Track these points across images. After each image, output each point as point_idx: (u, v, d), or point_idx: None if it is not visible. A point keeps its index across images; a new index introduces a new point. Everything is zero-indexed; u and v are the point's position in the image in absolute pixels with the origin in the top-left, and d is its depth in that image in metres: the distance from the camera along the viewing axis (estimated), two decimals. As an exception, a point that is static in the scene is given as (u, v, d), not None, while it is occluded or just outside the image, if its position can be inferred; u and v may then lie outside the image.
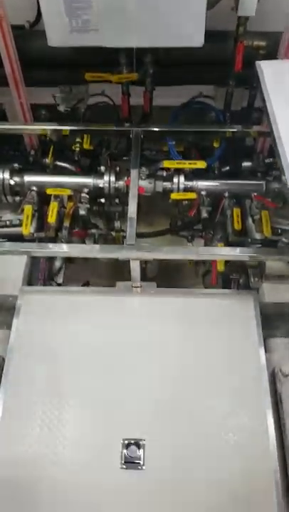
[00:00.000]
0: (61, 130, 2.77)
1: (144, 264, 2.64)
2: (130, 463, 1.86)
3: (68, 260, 2.96)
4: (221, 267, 2.52)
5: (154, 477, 1.83)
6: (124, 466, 1.85)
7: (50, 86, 2.82)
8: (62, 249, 2.28)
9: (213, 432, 1.92)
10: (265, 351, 2.16)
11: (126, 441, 1.88)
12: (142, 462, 1.85)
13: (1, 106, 2.96)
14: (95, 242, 2.95)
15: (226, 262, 2.55)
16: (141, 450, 1.87)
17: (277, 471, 1.84)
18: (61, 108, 2.81)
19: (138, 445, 1.88)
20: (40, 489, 1.83)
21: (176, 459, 1.87)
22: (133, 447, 1.88)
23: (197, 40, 2.12)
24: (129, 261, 2.17)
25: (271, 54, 2.41)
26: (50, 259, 2.75)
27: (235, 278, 2.57)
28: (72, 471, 1.86)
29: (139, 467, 1.85)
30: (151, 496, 1.81)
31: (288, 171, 1.89)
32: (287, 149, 1.97)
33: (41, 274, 2.67)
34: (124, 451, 1.87)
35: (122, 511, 1.80)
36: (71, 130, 2.74)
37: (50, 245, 2.26)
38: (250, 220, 2.67)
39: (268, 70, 2.18)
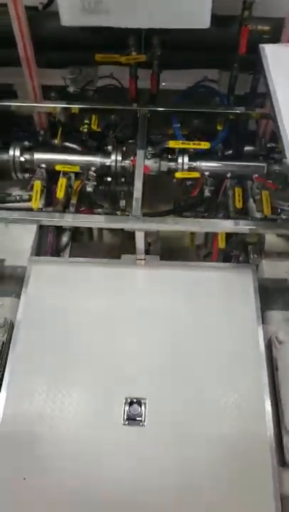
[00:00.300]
0: (70, 110, 2.88)
1: (148, 246, 2.74)
2: (132, 420, 1.96)
3: (73, 240, 3.07)
4: (222, 244, 2.62)
5: (154, 433, 1.94)
6: (127, 423, 1.95)
7: (60, 68, 2.90)
8: (70, 219, 2.35)
9: (211, 393, 2.02)
10: (263, 323, 2.27)
11: (128, 400, 1.98)
12: (143, 419, 1.95)
13: (12, 87, 3.04)
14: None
15: (227, 239, 2.65)
16: (142, 408, 1.97)
17: (271, 429, 1.94)
18: (71, 89, 2.90)
19: (140, 403, 1.98)
20: (46, 444, 1.93)
21: (176, 417, 1.98)
22: (135, 405, 1.98)
23: (204, 21, 2.20)
24: (133, 237, 2.27)
25: (275, 39, 2.49)
26: (58, 235, 2.85)
27: (235, 255, 2.67)
28: (77, 427, 1.96)
29: (141, 424, 1.95)
30: (152, 450, 1.91)
31: (289, 151, 1.97)
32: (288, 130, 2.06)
33: (49, 248, 2.77)
34: (127, 408, 1.97)
35: (124, 464, 1.89)
36: (80, 110, 2.83)
37: (58, 215, 2.35)
38: (251, 200, 2.76)
39: (271, 53, 2.26)
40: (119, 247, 3.17)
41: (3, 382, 2.06)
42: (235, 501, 1.84)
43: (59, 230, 2.87)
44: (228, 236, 2.68)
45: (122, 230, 3.22)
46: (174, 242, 3.32)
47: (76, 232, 3.14)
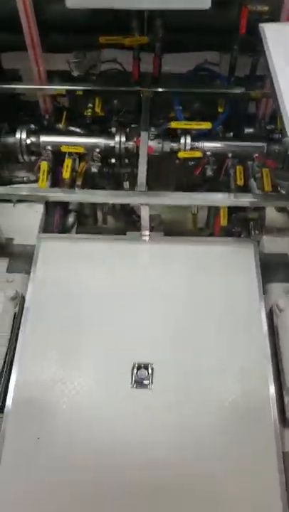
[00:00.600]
0: (74, 94, 2.95)
1: (151, 228, 2.82)
2: (140, 383, 2.05)
3: (78, 223, 3.16)
4: (224, 221, 2.70)
5: (161, 395, 2.03)
6: (135, 386, 2.04)
7: (64, 52, 2.98)
8: (77, 194, 2.44)
9: (215, 358, 2.11)
10: (264, 294, 2.35)
11: (136, 365, 2.07)
12: (150, 383, 2.04)
13: (18, 72, 3.12)
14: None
15: (229, 217, 2.73)
16: (149, 372, 2.06)
17: (273, 390, 2.03)
18: (75, 73, 2.97)
19: (147, 368, 2.07)
20: (58, 407, 2.02)
21: (181, 380, 2.07)
22: (142, 370, 2.07)
23: (204, 2, 2.27)
24: (137, 221, 2.33)
25: (274, 20, 2.56)
26: (64, 215, 2.93)
27: (236, 231, 2.75)
28: (87, 390, 2.05)
29: (148, 387, 2.04)
30: (159, 410, 2.00)
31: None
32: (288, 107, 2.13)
33: (55, 228, 2.86)
34: (135, 373, 2.06)
35: (132, 426, 1.98)
36: (84, 94, 2.91)
37: (65, 190, 2.43)
38: (252, 180, 2.84)
39: (270, 31, 2.33)
40: (122, 230, 3.26)
41: (16, 351, 2.15)
42: (238, 459, 1.92)
43: (65, 210, 2.97)
44: (230, 214, 2.77)
45: (126, 214, 3.35)
46: (176, 225, 3.41)
47: (81, 215, 3.25)
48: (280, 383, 2.07)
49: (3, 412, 2.03)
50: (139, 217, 3.16)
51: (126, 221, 3.38)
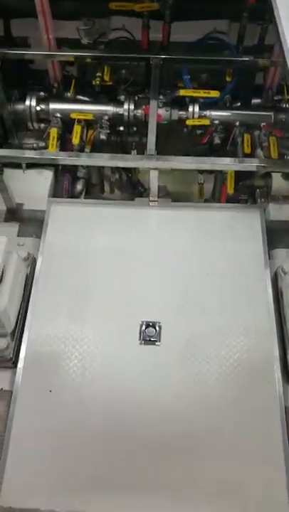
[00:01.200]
0: (83, 63, 2.97)
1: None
2: (148, 340, 2.12)
3: (86, 192, 3.20)
4: (230, 189, 2.74)
5: (168, 352, 2.11)
6: (143, 343, 2.12)
7: (73, 19, 2.98)
8: (85, 158, 2.48)
9: (221, 318, 2.19)
10: (269, 259, 2.41)
11: (144, 323, 2.14)
12: (157, 340, 2.12)
13: (27, 40, 3.12)
14: (112, 172, 3.18)
15: (235, 185, 2.77)
16: (157, 330, 2.13)
17: (277, 348, 2.10)
18: (84, 41, 2.97)
19: (154, 326, 2.14)
20: (70, 362, 2.10)
21: (188, 339, 2.14)
22: (150, 328, 2.14)
23: None
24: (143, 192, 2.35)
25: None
26: (73, 182, 2.97)
27: (243, 199, 2.79)
28: (98, 346, 2.13)
29: (156, 344, 2.11)
30: (166, 366, 2.09)
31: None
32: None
33: (64, 195, 2.91)
34: (143, 330, 2.13)
35: (140, 379, 2.06)
36: (92, 61, 2.92)
37: (74, 153, 2.47)
38: (258, 149, 2.87)
39: (280, -2, 2.34)
40: (129, 196, 3.31)
41: (28, 310, 2.22)
42: (243, 413, 2.00)
43: (74, 177, 3.01)
44: (236, 183, 2.81)
45: (132, 186, 3.38)
46: (182, 197, 3.43)
47: (89, 184, 3.28)
48: (283, 342, 2.14)
49: (16, 367, 2.11)
50: (145, 189, 3.23)
51: (132, 193, 3.42)
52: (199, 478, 1.89)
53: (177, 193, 3.45)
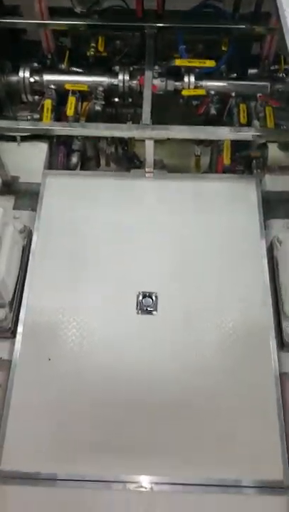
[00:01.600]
0: (77, 33, 2.93)
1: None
2: (144, 310, 2.15)
3: (82, 166, 3.18)
4: (227, 160, 2.74)
5: (164, 321, 2.14)
6: (140, 313, 2.14)
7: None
8: (80, 128, 2.47)
9: (217, 287, 2.21)
10: (265, 229, 2.43)
11: (141, 293, 2.17)
12: (154, 309, 2.15)
13: (19, 8, 3.06)
14: (108, 144, 3.17)
15: (232, 156, 2.77)
16: (154, 300, 2.16)
17: (271, 316, 2.13)
18: (77, 10, 2.92)
19: (151, 296, 2.17)
20: (68, 331, 2.13)
21: (184, 308, 2.17)
22: (147, 298, 2.17)
23: None
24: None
25: None
26: (68, 154, 2.96)
27: (239, 170, 2.79)
28: (95, 316, 2.16)
29: (152, 313, 2.14)
30: (163, 335, 2.12)
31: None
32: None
33: (59, 167, 2.90)
34: (140, 300, 2.16)
35: (137, 347, 2.10)
36: (86, 31, 2.88)
37: (68, 124, 2.45)
38: (255, 121, 2.86)
39: None
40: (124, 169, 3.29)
41: (26, 280, 2.24)
42: (238, 379, 2.05)
43: (69, 150, 2.99)
44: (233, 153, 2.80)
45: (128, 159, 3.37)
46: (179, 170, 3.41)
47: (84, 158, 3.27)
48: (278, 310, 2.17)
49: (15, 337, 2.14)
50: (141, 162, 3.22)
51: (128, 167, 3.41)
52: (197, 437, 1.94)
53: (174, 166, 3.44)
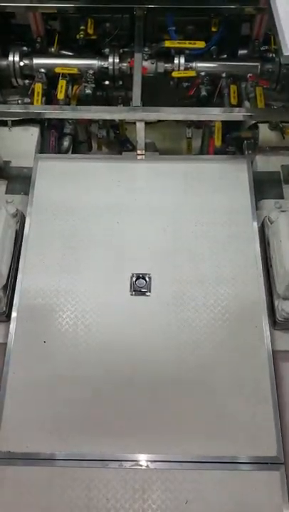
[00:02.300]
0: (66, 16, 2.90)
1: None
2: (138, 291, 2.17)
3: (73, 151, 3.17)
4: (218, 142, 2.74)
5: (158, 301, 2.16)
6: (134, 294, 2.16)
7: None
8: (70, 111, 2.46)
9: (209, 267, 2.23)
10: (257, 209, 2.44)
11: (134, 275, 2.18)
12: (148, 291, 2.16)
13: (7, -7, 3.03)
14: (99, 127, 3.16)
15: (223, 138, 2.77)
16: (147, 281, 2.17)
17: (264, 294, 2.15)
18: (67, -9, 2.89)
19: (144, 278, 2.18)
20: (63, 313, 2.15)
21: (178, 289, 2.19)
22: (141, 279, 2.18)
23: None
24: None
25: None
26: (59, 139, 2.95)
27: (230, 151, 2.80)
28: (90, 298, 2.17)
29: (146, 294, 2.16)
30: (157, 315, 2.14)
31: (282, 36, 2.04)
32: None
33: (51, 151, 2.89)
34: (133, 281, 2.17)
35: (132, 327, 2.11)
36: (76, 14, 2.85)
37: (59, 107, 2.44)
38: (246, 102, 2.85)
39: None
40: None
41: (20, 263, 2.25)
42: (232, 356, 2.07)
43: (60, 133, 2.98)
44: (224, 135, 2.80)
45: (121, 143, 3.36)
46: (171, 153, 3.41)
47: (76, 142, 3.26)
48: (270, 289, 2.19)
49: (9, 320, 2.15)
50: (133, 146, 3.21)
51: (120, 151, 3.40)
52: (192, 415, 1.96)
53: (166, 150, 3.44)
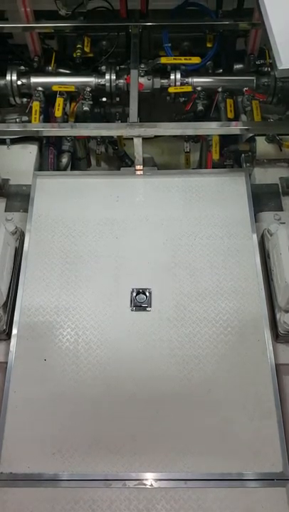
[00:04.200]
0: (63, 35, 2.94)
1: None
2: (139, 306, 2.16)
3: (72, 167, 3.19)
4: (216, 155, 2.75)
5: (159, 316, 2.14)
6: (134, 309, 2.15)
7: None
8: (68, 128, 2.47)
9: (210, 281, 2.22)
10: (256, 222, 2.44)
11: (134, 290, 2.17)
12: (148, 306, 2.15)
13: (3, 13, 3.07)
14: (97, 143, 3.18)
15: (220, 151, 2.78)
16: (148, 296, 2.16)
17: (265, 307, 2.14)
18: (62, 12, 2.93)
19: (144, 293, 2.17)
20: (63, 330, 2.14)
21: (179, 303, 2.18)
22: (141, 295, 2.17)
23: None
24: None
25: None
26: (58, 156, 2.97)
27: (228, 164, 2.80)
28: (90, 315, 2.16)
29: (147, 309, 2.15)
30: (158, 330, 2.12)
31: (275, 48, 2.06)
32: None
33: (50, 168, 2.90)
34: (134, 297, 2.16)
35: (133, 343, 2.10)
36: (72, 33, 2.89)
37: (57, 125, 2.46)
38: (242, 115, 2.87)
39: None
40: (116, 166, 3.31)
41: (20, 281, 2.24)
42: (234, 371, 2.05)
43: (59, 151, 3.00)
44: (221, 148, 2.82)
45: (119, 158, 3.38)
46: (170, 168, 3.45)
47: (75, 159, 3.28)
48: (272, 301, 2.17)
49: (10, 338, 2.14)
50: (132, 161, 3.23)
51: (119, 166, 3.42)
52: (196, 432, 1.94)
53: (164, 164, 3.47)
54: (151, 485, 1.87)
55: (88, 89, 2.87)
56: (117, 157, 3.42)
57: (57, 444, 1.93)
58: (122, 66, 2.96)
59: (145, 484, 1.87)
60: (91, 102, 2.85)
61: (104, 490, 1.87)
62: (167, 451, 1.91)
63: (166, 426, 1.94)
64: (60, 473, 1.89)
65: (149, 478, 1.88)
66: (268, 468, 1.88)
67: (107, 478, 1.88)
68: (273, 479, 1.88)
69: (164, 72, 2.92)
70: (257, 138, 2.68)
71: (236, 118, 2.81)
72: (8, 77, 2.89)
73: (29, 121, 2.86)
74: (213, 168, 2.85)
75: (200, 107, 2.82)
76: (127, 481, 1.87)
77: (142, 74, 2.80)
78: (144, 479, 1.88)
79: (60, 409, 1.98)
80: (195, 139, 3.19)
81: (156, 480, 1.88)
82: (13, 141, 2.81)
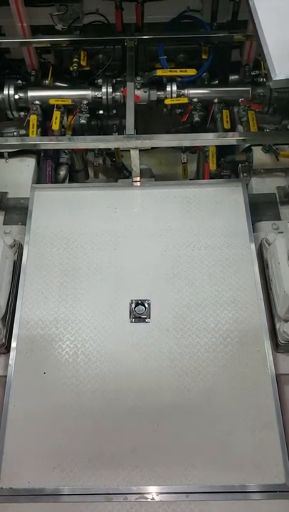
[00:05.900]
0: (59, 50, 2.97)
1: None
2: (138, 318, 2.15)
3: (70, 179, 3.20)
4: (213, 166, 2.76)
5: (158, 328, 2.14)
6: (133, 321, 2.14)
7: (46, 5, 2.97)
8: (66, 141, 2.49)
9: (208, 292, 2.21)
10: (254, 231, 2.44)
11: (133, 301, 2.17)
12: (147, 317, 2.15)
13: (1, 29, 3.11)
14: (95, 156, 3.19)
15: (218, 161, 2.79)
16: (146, 307, 2.16)
17: (264, 317, 2.13)
18: (58, 27, 2.96)
19: (143, 304, 2.17)
20: (62, 343, 2.13)
21: (178, 314, 2.17)
22: (140, 306, 2.17)
23: None
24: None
25: None
26: (56, 168, 2.98)
27: (226, 175, 2.82)
28: (89, 327, 2.16)
29: (146, 321, 2.14)
30: (157, 341, 2.11)
31: (269, 58, 2.08)
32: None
33: (48, 180, 2.91)
34: (133, 308, 2.16)
35: (132, 355, 2.09)
36: (69, 47, 2.92)
37: (55, 138, 2.47)
38: (238, 126, 2.89)
39: None
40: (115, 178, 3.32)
41: (18, 294, 2.24)
42: (234, 382, 2.04)
43: (56, 164, 3.02)
44: (218, 159, 2.83)
45: (117, 170, 3.40)
46: (168, 179, 3.44)
47: (73, 172, 3.29)
48: (271, 311, 2.17)
49: (9, 352, 2.13)
50: (130, 173, 3.24)
51: (117, 178, 3.43)
52: (197, 444, 1.92)
53: (162, 174, 3.48)
54: (153, 498, 1.85)
55: (85, 102, 2.89)
56: (115, 168, 3.43)
57: (57, 458, 1.91)
58: (119, 79, 2.98)
59: (147, 498, 1.85)
60: (88, 115, 2.86)
61: (106, 504, 1.85)
62: (168, 464, 1.89)
63: (167, 438, 1.92)
64: (61, 487, 1.87)
65: (151, 491, 1.86)
66: (270, 479, 1.87)
67: (108, 493, 1.86)
68: (276, 491, 1.86)
69: (160, 84, 2.94)
70: (253, 148, 2.69)
71: (233, 128, 2.82)
72: (5, 92, 2.91)
73: (27, 134, 2.87)
74: (211, 178, 2.85)
75: (196, 118, 2.84)
76: (128, 495, 1.85)
77: (138, 86, 2.82)
78: (146, 493, 1.86)
79: (60, 423, 1.96)
80: (192, 149, 3.21)
81: (158, 493, 1.86)
82: (11, 155, 2.82)
